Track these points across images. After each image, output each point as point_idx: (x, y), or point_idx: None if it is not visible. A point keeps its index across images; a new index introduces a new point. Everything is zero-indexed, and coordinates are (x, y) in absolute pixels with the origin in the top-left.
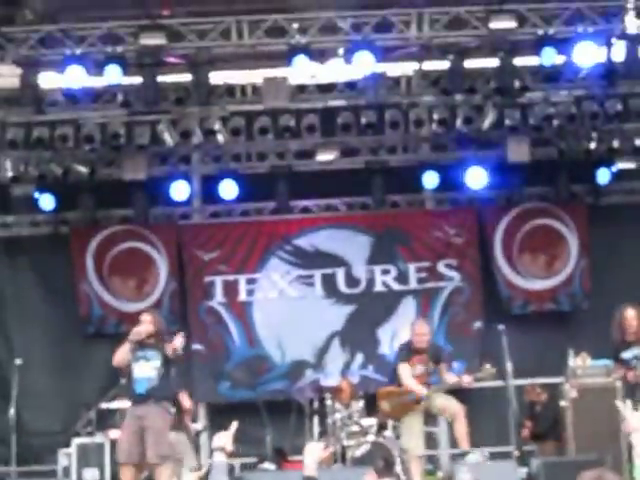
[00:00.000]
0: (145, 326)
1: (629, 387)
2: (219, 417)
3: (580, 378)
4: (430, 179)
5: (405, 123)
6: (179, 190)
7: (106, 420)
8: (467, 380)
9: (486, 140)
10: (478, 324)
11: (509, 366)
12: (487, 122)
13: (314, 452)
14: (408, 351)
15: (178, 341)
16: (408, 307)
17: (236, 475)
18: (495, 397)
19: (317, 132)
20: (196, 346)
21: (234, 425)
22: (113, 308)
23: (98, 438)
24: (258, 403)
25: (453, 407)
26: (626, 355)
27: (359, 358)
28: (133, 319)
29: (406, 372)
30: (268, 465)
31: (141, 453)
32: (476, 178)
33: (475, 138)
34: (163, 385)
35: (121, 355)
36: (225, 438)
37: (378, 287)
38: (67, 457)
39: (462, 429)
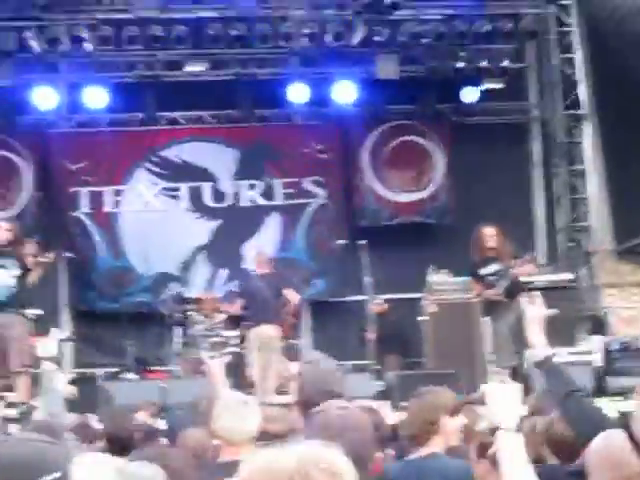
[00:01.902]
0: (3, 234)
1: (487, 304)
2: (84, 326)
3: (440, 293)
4: (298, 94)
5: (275, 36)
6: (46, 98)
7: None
8: None
9: (355, 56)
10: (341, 241)
11: (368, 281)
12: (356, 38)
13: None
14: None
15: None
16: (274, 223)
17: (97, 384)
18: (352, 311)
19: (187, 43)
20: (66, 254)
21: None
22: None
23: None
24: (121, 314)
25: None
26: (484, 271)
27: (224, 272)
28: None
29: None
30: (130, 375)
31: (2, 363)
32: (344, 94)
33: (344, 54)
34: (22, 293)
35: None
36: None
37: (244, 202)
38: None
39: None
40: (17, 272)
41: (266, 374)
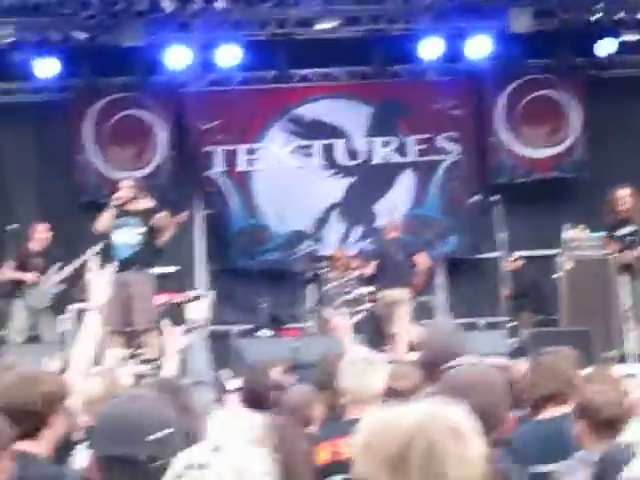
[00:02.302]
0: (125, 191)
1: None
2: (220, 283)
3: (575, 250)
4: (431, 49)
5: None
6: (178, 57)
7: None
8: None
9: (489, 9)
10: (475, 197)
11: (502, 237)
12: None
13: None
14: None
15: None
16: (407, 180)
17: (231, 341)
18: (486, 268)
19: (317, 0)
20: (206, 210)
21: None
22: (108, 178)
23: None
24: (255, 271)
25: None
26: (620, 232)
27: (357, 230)
28: None
29: None
30: (264, 332)
31: (128, 320)
32: (478, 48)
33: (478, 7)
34: (146, 252)
35: (103, 221)
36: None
37: (377, 159)
38: (65, 324)
39: None
40: (141, 229)
41: (395, 333)
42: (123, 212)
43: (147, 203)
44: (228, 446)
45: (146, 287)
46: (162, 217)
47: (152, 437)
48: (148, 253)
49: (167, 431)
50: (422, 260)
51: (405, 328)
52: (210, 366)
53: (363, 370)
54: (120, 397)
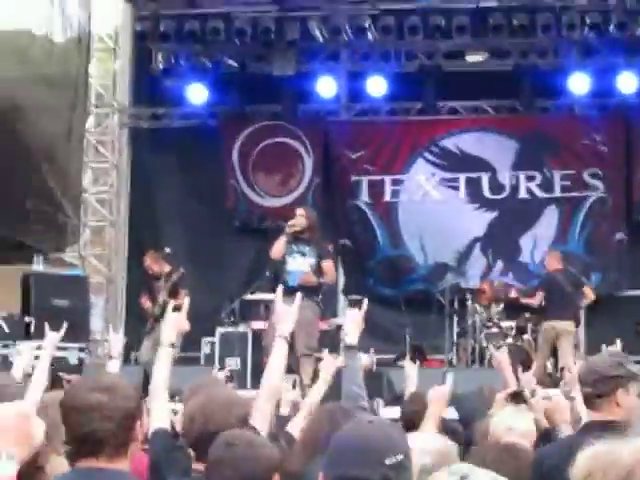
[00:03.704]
0: (299, 220)
1: None
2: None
3: None
4: (580, 84)
5: (557, 26)
6: (327, 87)
7: (249, 311)
8: None
9: (638, 46)
10: (620, 235)
11: None
12: None
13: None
14: None
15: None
16: (551, 216)
17: (375, 370)
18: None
19: (467, 33)
20: (343, 240)
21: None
22: (256, 204)
23: (241, 328)
24: (399, 300)
25: None
26: None
27: (499, 265)
28: (276, 214)
29: None
30: (406, 362)
31: (291, 345)
32: (627, 84)
33: (627, 43)
34: (315, 280)
35: (278, 247)
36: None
37: (522, 194)
38: (211, 345)
39: None
40: (313, 260)
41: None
42: (296, 239)
43: (318, 235)
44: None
45: (311, 314)
46: (329, 266)
47: (388, 461)
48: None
49: (401, 457)
50: (589, 293)
51: (572, 360)
52: (364, 390)
53: (510, 416)
54: (357, 421)
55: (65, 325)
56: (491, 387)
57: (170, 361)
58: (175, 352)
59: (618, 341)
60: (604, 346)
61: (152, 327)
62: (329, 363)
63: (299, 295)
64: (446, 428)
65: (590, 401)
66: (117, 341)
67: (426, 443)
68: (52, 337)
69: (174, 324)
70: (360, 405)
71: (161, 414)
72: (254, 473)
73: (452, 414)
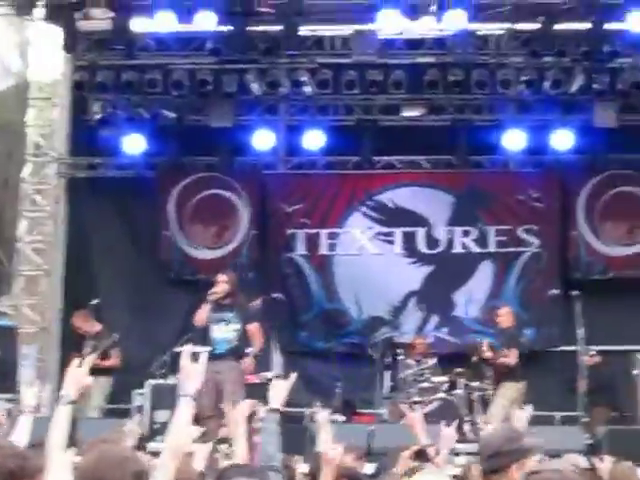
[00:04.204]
0: (221, 286)
1: None
2: (293, 366)
3: None
4: (515, 140)
5: (492, 83)
6: (264, 140)
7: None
8: None
9: (573, 103)
10: (554, 291)
11: (580, 332)
12: (575, 86)
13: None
14: None
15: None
16: (485, 271)
17: (304, 424)
18: (563, 362)
19: (404, 88)
20: (276, 294)
21: (292, 377)
22: (190, 256)
23: (171, 380)
24: (331, 354)
25: None
26: None
27: (434, 319)
28: (210, 266)
29: None
30: (337, 416)
31: (216, 406)
32: (562, 141)
33: (562, 101)
34: (240, 347)
35: (201, 316)
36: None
37: (457, 249)
38: (141, 397)
39: None
40: (237, 326)
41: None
42: (219, 306)
43: (241, 298)
44: None
45: (237, 375)
46: (254, 329)
47: None
48: (242, 347)
49: None
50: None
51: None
52: (279, 450)
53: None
54: None
55: None
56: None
57: (68, 418)
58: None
59: (529, 407)
60: (516, 411)
61: None
62: (241, 420)
63: (204, 355)
64: (347, 476)
65: (487, 476)
66: (29, 394)
67: None
68: None
69: (75, 379)
70: (273, 466)
71: (58, 472)
72: None
73: (369, 469)
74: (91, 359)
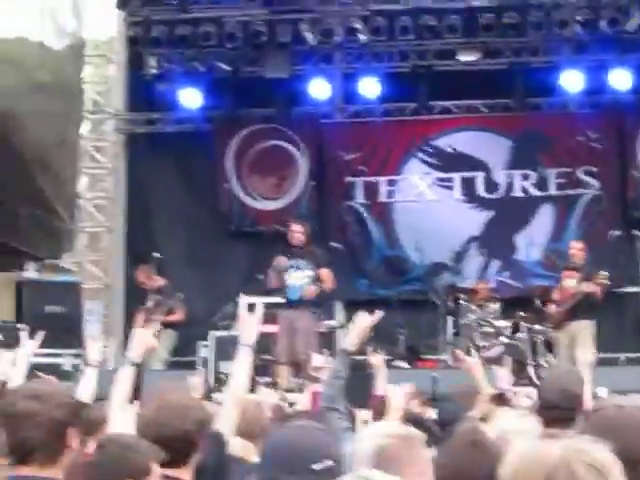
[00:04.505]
0: (296, 236)
1: None
2: (355, 314)
3: None
4: (573, 81)
5: (548, 24)
6: (320, 89)
7: None
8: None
9: (631, 42)
10: (616, 232)
11: None
12: (632, 24)
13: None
14: None
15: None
16: (546, 214)
17: (368, 371)
18: (628, 303)
19: (458, 32)
20: (334, 244)
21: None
22: (250, 207)
23: (235, 332)
24: (394, 301)
25: None
26: None
27: (496, 263)
28: (270, 217)
29: None
30: (401, 363)
31: (292, 352)
32: (620, 81)
33: (619, 40)
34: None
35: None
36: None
37: (517, 192)
38: (205, 349)
39: None
40: (310, 272)
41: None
42: (291, 254)
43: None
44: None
45: (310, 323)
46: (327, 274)
47: (316, 466)
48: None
49: (330, 462)
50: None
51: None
52: (342, 393)
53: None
54: (289, 426)
55: (42, 333)
56: (472, 387)
57: (131, 378)
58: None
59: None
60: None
61: None
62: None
63: (260, 306)
64: (411, 420)
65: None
66: (94, 349)
67: (383, 429)
68: (29, 345)
69: (141, 342)
70: (334, 407)
71: (120, 425)
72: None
73: (432, 414)
74: (157, 323)
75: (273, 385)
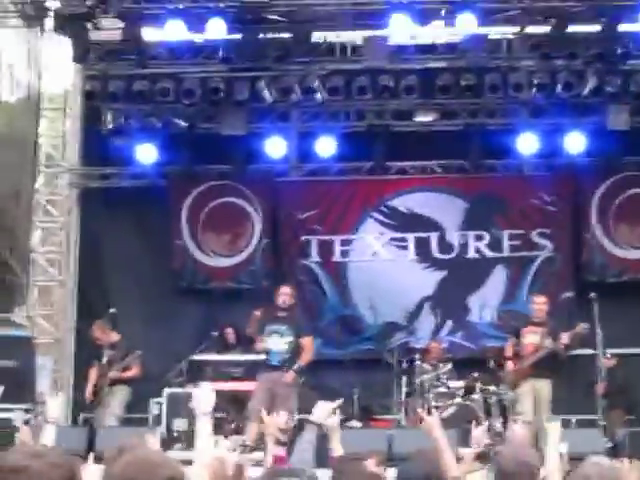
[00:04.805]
0: (285, 298)
1: None
2: (308, 373)
3: None
4: (528, 144)
5: (504, 87)
6: (276, 147)
7: (196, 372)
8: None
9: (586, 106)
10: (568, 294)
11: (599, 334)
12: (587, 88)
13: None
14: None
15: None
16: (499, 275)
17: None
18: (581, 365)
19: (416, 93)
20: None
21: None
22: (203, 264)
23: (188, 389)
24: (347, 361)
25: None
26: None
27: (449, 324)
28: (223, 274)
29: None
30: (354, 423)
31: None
32: (575, 144)
33: (575, 104)
34: (293, 357)
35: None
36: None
37: (471, 253)
38: (158, 406)
39: None
40: (290, 339)
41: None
42: (275, 318)
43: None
44: None
45: (289, 390)
46: (308, 342)
47: None
48: (295, 359)
49: None
50: None
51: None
52: (314, 459)
53: None
54: None
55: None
56: (434, 448)
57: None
58: None
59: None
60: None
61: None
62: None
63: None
64: None
65: None
66: (54, 405)
67: None
68: None
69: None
70: (308, 471)
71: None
72: None
73: (390, 475)
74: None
75: (242, 443)
